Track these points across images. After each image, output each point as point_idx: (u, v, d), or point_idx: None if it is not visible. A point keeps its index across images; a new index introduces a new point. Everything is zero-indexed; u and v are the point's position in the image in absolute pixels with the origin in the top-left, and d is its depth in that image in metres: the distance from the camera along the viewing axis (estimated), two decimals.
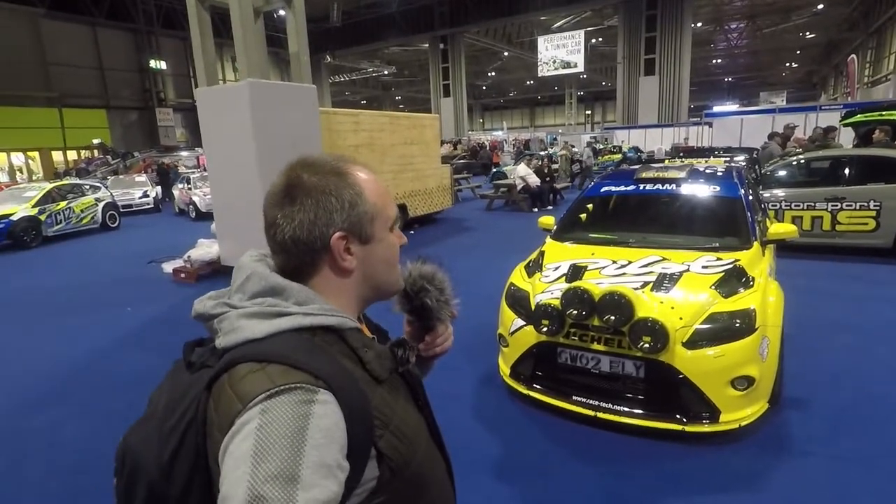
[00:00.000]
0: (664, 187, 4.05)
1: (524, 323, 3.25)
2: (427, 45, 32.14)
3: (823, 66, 40.01)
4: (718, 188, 3.89)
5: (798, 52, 37.57)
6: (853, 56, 19.90)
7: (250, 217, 8.30)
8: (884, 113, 8.16)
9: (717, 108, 24.89)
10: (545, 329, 3.03)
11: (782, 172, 7.26)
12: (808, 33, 32.16)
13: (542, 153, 20.35)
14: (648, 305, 2.82)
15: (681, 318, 2.78)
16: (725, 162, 5.87)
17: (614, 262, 3.38)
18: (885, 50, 27.96)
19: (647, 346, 2.69)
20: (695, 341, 2.73)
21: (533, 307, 3.20)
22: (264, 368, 0.65)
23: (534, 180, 11.96)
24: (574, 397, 3.06)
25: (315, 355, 0.68)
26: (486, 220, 11.46)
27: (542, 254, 3.81)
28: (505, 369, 3.45)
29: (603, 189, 4.41)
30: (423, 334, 0.99)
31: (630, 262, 3.34)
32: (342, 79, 41.02)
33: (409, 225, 10.25)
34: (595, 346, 2.94)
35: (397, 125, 9.85)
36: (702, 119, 20.88)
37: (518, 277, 3.64)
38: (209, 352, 0.75)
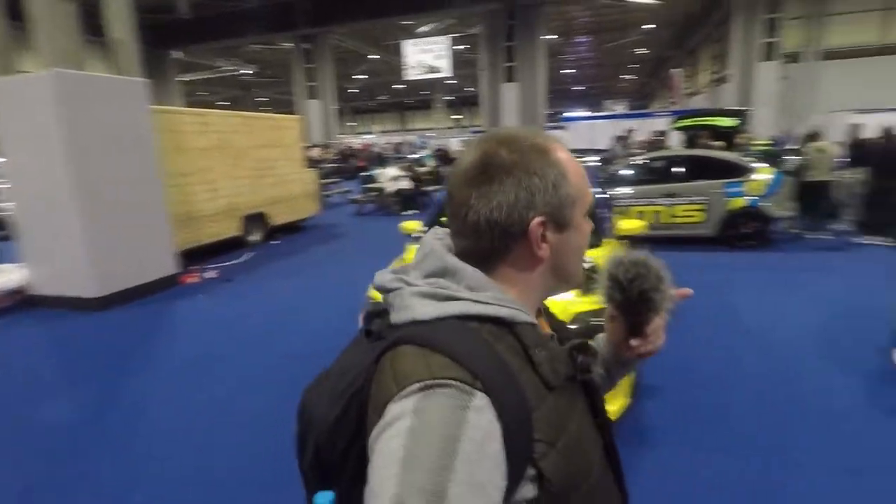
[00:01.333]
0: None
1: None
2: (290, 44, 30.64)
3: (653, 78, 45.63)
4: None
5: (634, 65, 42.39)
6: (676, 70, 22.96)
7: (65, 234, 6.99)
8: (706, 119, 9.32)
9: (570, 114, 27.00)
10: None
11: (626, 172, 7.91)
12: (641, 49, 36.39)
13: (420, 156, 20.38)
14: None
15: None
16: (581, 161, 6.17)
17: None
18: (699, 67, 32.78)
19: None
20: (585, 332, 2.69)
21: None
22: (425, 355, 0.61)
23: (404, 184, 11.82)
24: None
25: (478, 349, 0.62)
26: (357, 225, 11.08)
27: (401, 262, 3.58)
28: None
29: None
30: (630, 331, 0.85)
31: None
32: (196, 77, 37.52)
33: (271, 234, 9.49)
34: None
35: (253, 127, 9.04)
36: (558, 124, 22.49)
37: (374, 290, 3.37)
38: (386, 325, 0.71)
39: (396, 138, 34.13)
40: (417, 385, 0.57)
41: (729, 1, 23.28)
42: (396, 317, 0.68)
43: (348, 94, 50.05)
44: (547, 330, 0.79)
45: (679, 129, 10.08)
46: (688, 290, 0.87)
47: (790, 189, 7.17)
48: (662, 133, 10.31)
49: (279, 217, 9.61)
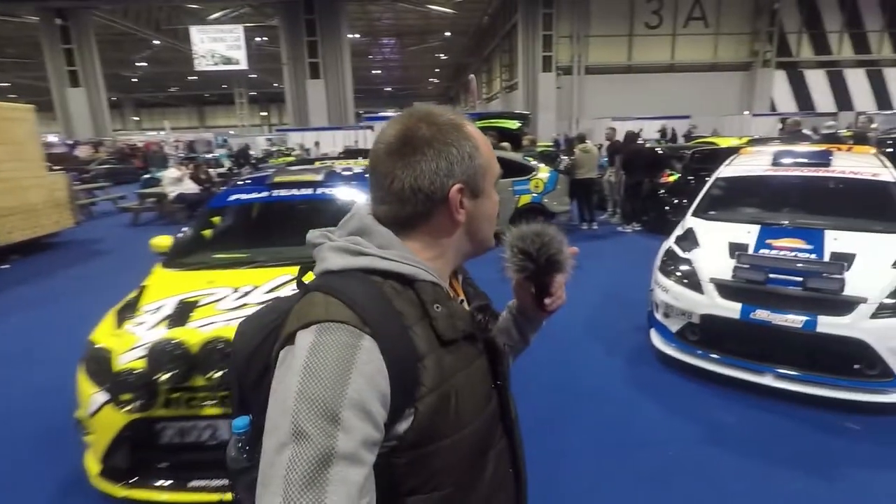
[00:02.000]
0: (300, 192, 3.59)
1: (108, 398, 2.27)
2: (37, 18, 24.91)
3: (455, 82, 48.71)
4: (352, 190, 3.65)
5: (438, 69, 44.62)
6: (472, 76, 24.71)
7: None
8: (493, 121, 9.94)
9: (376, 114, 27.01)
10: (129, 406, 2.14)
11: None
12: (442, 55, 38.39)
13: (216, 155, 18.28)
14: None
15: None
16: None
17: (236, 289, 2.71)
18: (495, 74, 35.89)
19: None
20: None
21: (115, 373, 2.26)
22: (326, 300, 0.68)
23: (189, 187, 10.31)
24: (193, 483, 2.27)
25: (373, 299, 0.69)
26: (128, 240, 9.23)
27: (141, 290, 2.84)
28: (93, 468, 2.38)
29: (231, 197, 3.68)
30: (538, 293, 0.95)
31: (256, 288, 2.72)
32: None
33: (2, 256, 7.40)
34: (208, 410, 2.22)
35: None
36: (364, 123, 22.34)
37: (103, 331, 2.59)
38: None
39: (190, 136, 30.36)
40: (315, 326, 0.66)
41: (513, 17, 25.88)
42: (316, 268, 0.77)
43: (129, 84, 43.10)
44: (459, 293, 0.89)
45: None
46: (575, 249, 0.93)
47: (565, 186, 7.99)
48: None
49: (13, 233, 7.54)
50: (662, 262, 3.96)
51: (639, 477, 2.69)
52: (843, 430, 3.01)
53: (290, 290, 2.67)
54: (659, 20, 25.19)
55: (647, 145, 10.77)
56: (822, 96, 25.57)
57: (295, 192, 3.58)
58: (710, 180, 4.66)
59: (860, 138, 7.64)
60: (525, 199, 7.60)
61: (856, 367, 3.12)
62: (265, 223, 3.77)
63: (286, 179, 3.67)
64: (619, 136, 9.49)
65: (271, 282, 2.77)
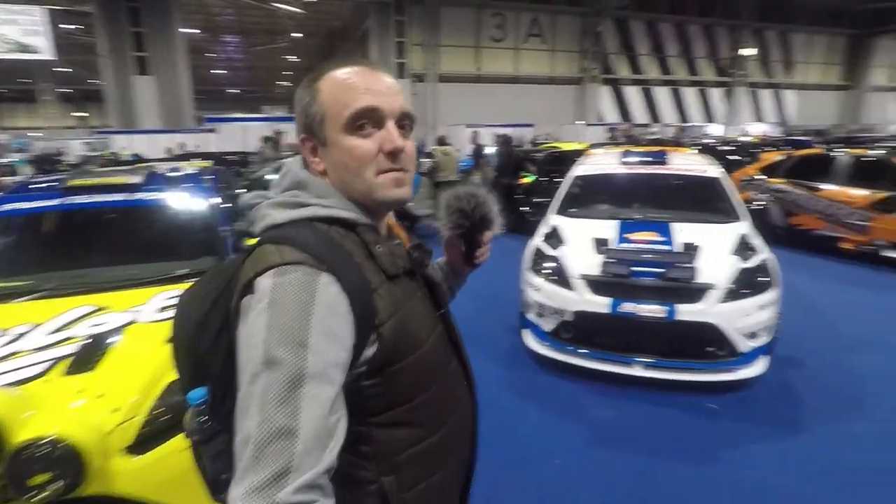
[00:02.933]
0: (109, 198, 2.83)
1: None
2: None
3: None
4: (183, 196, 2.97)
5: (289, 72, 42.50)
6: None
7: None
8: None
9: (217, 116, 24.70)
10: None
11: (271, 177, 7.27)
12: (292, 57, 36.59)
13: (10, 161, 15.07)
14: (49, 412, 1.59)
15: (116, 411, 1.68)
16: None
17: (5, 330, 1.96)
18: None
19: (48, 492, 1.46)
20: (145, 441, 1.69)
21: None
22: (278, 248, 0.72)
23: None
24: None
25: (324, 242, 0.74)
26: None
27: None
28: None
29: (6, 207, 2.77)
30: (467, 248, 1.04)
31: (37, 326, 1.99)
32: None
33: None
34: None
35: None
36: (203, 124, 20.30)
37: None
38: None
39: None
40: (272, 270, 0.69)
41: (366, 22, 25.59)
42: (258, 226, 0.81)
43: None
44: (402, 234, 0.95)
45: None
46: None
47: (428, 189, 7.86)
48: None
49: None
50: (532, 262, 3.92)
51: (532, 494, 2.51)
52: (706, 411, 3.18)
53: (87, 327, 2.00)
54: (503, 34, 26.84)
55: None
56: (639, 109, 29.44)
57: (101, 198, 2.80)
58: (569, 179, 4.79)
59: (676, 144, 8.71)
60: None
61: (709, 349, 3.34)
62: (58, 239, 2.90)
63: (87, 183, 2.87)
64: (482, 141, 9.65)
65: (63, 316, 2.06)
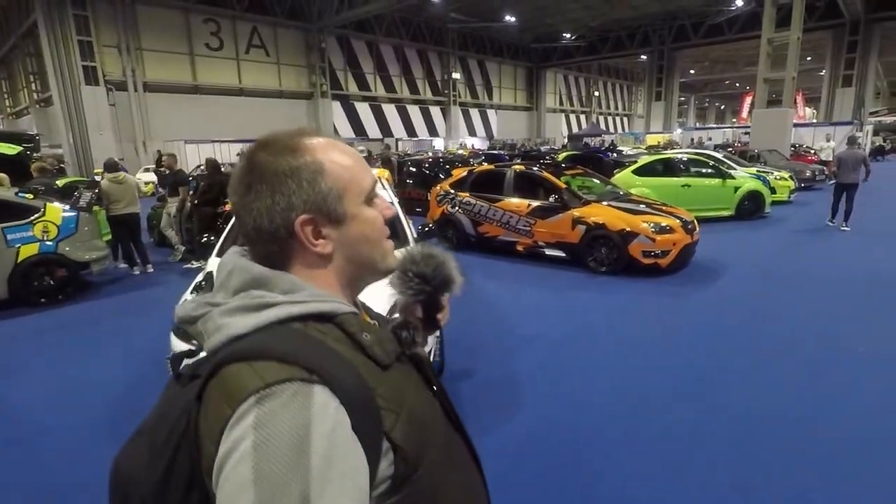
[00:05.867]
0: None
1: None
2: None
3: None
4: None
5: None
6: None
7: None
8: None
9: None
10: None
11: None
12: None
13: None
14: None
15: None
16: None
17: None
18: (19, 82, 27.80)
19: None
20: None
21: None
22: (253, 367, 0.58)
23: None
24: None
25: (307, 346, 0.62)
26: None
27: None
28: None
29: None
30: (426, 311, 0.93)
31: None
32: None
33: None
34: None
35: None
36: None
37: None
38: (199, 361, 0.66)
39: None
40: (253, 398, 0.55)
41: (32, 14, 20.45)
42: (210, 342, 0.64)
43: None
44: (368, 320, 0.80)
45: None
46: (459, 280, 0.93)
47: (94, 227, 6.37)
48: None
49: None
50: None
51: None
52: None
53: None
54: (220, 43, 24.80)
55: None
56: (371, 125, 30.85)
57: None
58: None
59: (385, 160, 9.07)
60: (29, 250, 5.60)
61: None
62: None
63: None
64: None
65: None
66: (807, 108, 31.36)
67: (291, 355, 0.58)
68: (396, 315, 0.95)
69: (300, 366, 0.57)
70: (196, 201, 7.65)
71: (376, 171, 6.24)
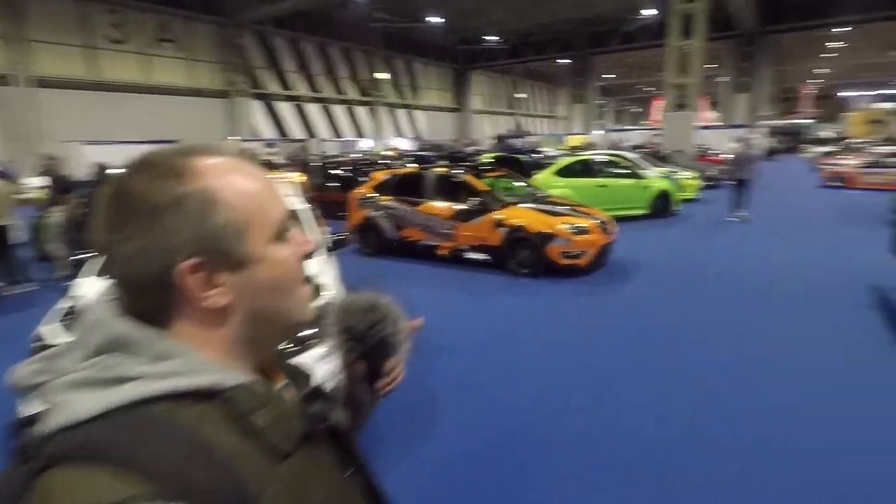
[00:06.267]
0: None
1: None
2: None
3: None
4: None
5: None
6: None
7: None
8: None
9: None
10: None
11: None
12: None
13: None
14: None
15: None
16: None
17: None
18: None
19: None
20: None
21: None
22: (87, 478, 0.44)
23: None
24: None
25: (164, 441, 0.47)
26: None
27: None
28: None
29: None
30: (371, 372, 0.78)
31: None
32: None
33: None
34: None
35: None
36: None
37: None
38: (39, 438, 0.49)
39: None
40: None
41: None
42: (48, 424, 0.49)
43: None
44: (279, 377, 0.65)
45: None
46: (419, 321, 0.82)
47: None
48: None
49: None
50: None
51: None
52: None
53: None
54: (124, 35, 22.94)
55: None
56: (294, 126, 29.81)
57: None
58: None
59: (299, 162, 8.65)
60: None
61: None
62: None
63: None
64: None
65: None
66: (711, 112, 33.93)
67: (136, 459, 0.45)
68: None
69: (156, 479, 0.44)
70: (86, 210, 6.92)
71: (293, 175, 5.93)
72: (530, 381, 3.94)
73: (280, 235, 0.58)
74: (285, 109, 29.40)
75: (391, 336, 0.78)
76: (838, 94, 48.26)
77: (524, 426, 3.33)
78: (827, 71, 41.55)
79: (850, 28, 27.87)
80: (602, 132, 35.57)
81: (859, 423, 3.24)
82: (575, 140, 31.19)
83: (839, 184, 15.65)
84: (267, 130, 28.04)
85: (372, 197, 8.02)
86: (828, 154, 21.20)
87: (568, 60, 35.81)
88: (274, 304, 0.59)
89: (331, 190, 11.31)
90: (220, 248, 0.54)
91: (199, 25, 25.17)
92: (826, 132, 35.81)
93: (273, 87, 28.74)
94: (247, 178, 0.57)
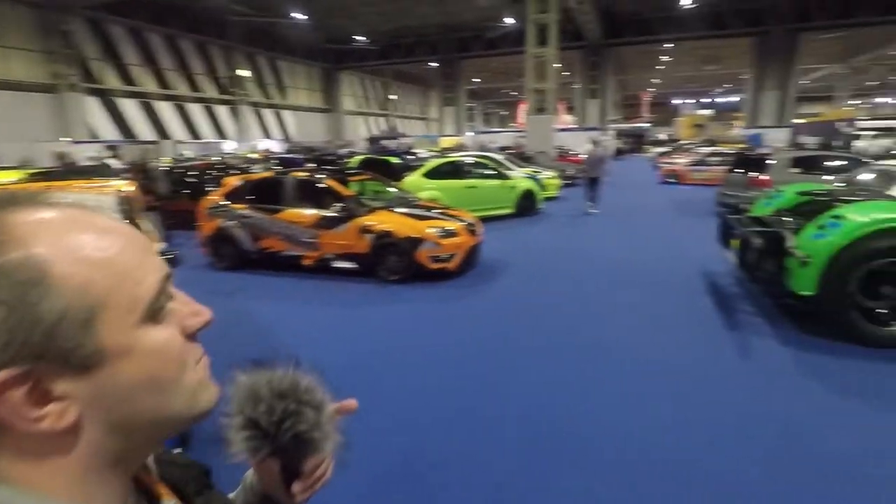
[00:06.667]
0: None
1: None
2: None
3: None
4: None
5: None
6: None
7: None
8: None
9: None
10: None
11: None
12: None
13: None
14: None
15: None
16: None
17: None
18: None
19: None
20: None
21: None
22: None
23: None
24: None
25: None
26: None
27: None
28: None
29: None
30: (286, 472, 0.61)
31: None
32: None
33: None
34: None
35: None
36: None
37: None
38: None
39: None
40: None
41: None
42: None
43: None
44: (165, 495, 0.52)
45: None
46: (352, 404, 0.65)
47: None
48: None
49: None
50: None
51: None
52: None
53: None
54: None
55: None
56: (141, 126, 26.64)
57: None
58: None
59: (139, 169, 7.63)
60: None
61: None
62: None
63: None
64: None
65: None
66: (568, 116, 36.88)
67: None
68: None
69: None
70: None
71: (121, 184, 5.05)
72: (401, 398, 3.75)
73: (153, 314, 0.43)
74: (130, 107, 26.15)
75: (308, 433, 0.59)
76: (672, 101, 55.43)
77: (396, 446, 3.12)
78: (660, 81, 47.30)
79: (672, 45, 31.94)
80: (472, 134, 36.88)
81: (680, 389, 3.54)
82: (447, 142, 31.90)
83: (673, 180, 17.80)
84: (108, 131, 24.71)
85: (224, 205, 7.28)
86: (663, 154, 24.12)
87: (436, 64, 36.50)
88: (148, 405, 0.43)
89: (182, 198, 10.17)
90: (54, 348, 0.38)
91: (12, 7, 21.35)
92: (662, 135, 40.89)
93: (113, 81, 25.40)
94: (95, 238, 0.41)
